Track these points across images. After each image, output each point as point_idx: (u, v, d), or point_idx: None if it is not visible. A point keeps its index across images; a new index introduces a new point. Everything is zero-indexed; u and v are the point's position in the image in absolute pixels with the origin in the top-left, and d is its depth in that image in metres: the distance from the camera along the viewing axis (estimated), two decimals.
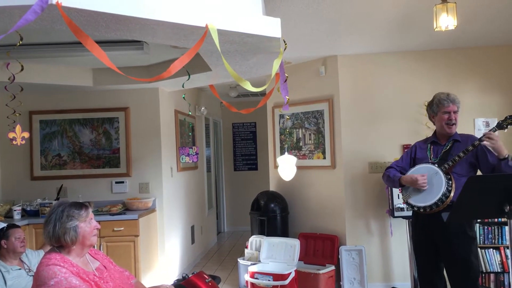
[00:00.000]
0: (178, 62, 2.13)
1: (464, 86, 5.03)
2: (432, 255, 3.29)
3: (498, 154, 3.02)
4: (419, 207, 3.20)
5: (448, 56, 5.08)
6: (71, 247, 2.29)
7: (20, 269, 3.56)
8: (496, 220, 4.65)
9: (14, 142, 3.39)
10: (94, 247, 2.49)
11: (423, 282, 3.41)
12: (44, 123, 5.31)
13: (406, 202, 3.32)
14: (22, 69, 3.51)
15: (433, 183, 3.16)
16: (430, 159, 3.34)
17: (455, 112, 3.30)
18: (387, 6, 3.63)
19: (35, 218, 4.72)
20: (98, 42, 2.03)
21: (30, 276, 3.47)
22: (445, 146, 3.33)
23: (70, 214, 2.30)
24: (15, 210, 4.78)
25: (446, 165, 3.17)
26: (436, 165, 3.22)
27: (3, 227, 3.66)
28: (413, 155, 3.51)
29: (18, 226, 3.74)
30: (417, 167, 3.32)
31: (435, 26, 3.32)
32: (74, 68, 4.79)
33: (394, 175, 3.42)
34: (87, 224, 2.33)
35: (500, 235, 4.69)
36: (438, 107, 3.33)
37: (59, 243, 2.28)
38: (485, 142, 3.05)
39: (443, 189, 3.10)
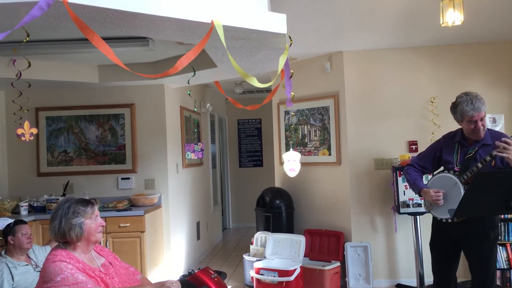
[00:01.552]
0: (184, 59, 2.13)
1: (471, 82, 5.00)
2: (449, 254, 3.25)
3: (509, 163, 2.88)
4: (441, 219, 3.16)
5: (455, 51, 5.05)
6: (76, 244, 2.31)
7: (27, 265, 3.58)
8: (502, 216, 4.63)
9: (22, 138, 3.41)
10: (100, 243, 2.51)
11: (438, 279, 3.37)
12: (50, 119, 5.33)
13: (428, 211, 3.28)
14: (29, 66, 3.53)
15: (453, 195, 3.05)
16: (456, 165, 3.15)
17: (481, 119, 3.03)
18: (393, 1, 3.61)
19: (42, 214, 4.75)
20: (103, 39, 2.03)
21: (37, 272, 3.50)
22: (470, 150, 3.12)
23: (76, 210, 2.31)
24: (22, 206, 4.81)
25: (465, 176, 3.02)
26: (456, 175, 3.07)
27: (10, 223, 3.69)
28: (438, 154, 3.32)
29: (24, 222, 3.76)
30: (436, 177, 3.22)
31: (441, 22, 3.29)
32: (80, 64, 4.81)
33: (415, 182, 3.29)
34: (92, 221, 2.35)
35: (506, 231, 4.67)
36: (462, 117, 3.07)
37: (64, 239, 2.30)
38: (495, 152, 2.89)
39: None
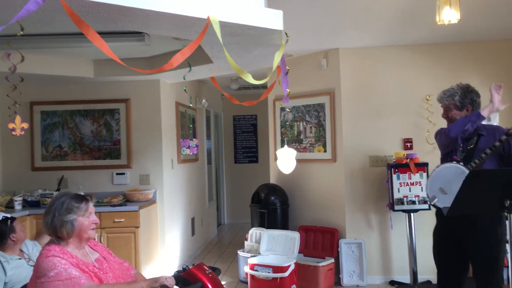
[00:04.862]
0: (179, 55, 2.12)
1: (466, 80, 4.90)
2: (455, 252, 3.14)
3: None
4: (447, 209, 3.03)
5: (451, 50, 5.06)
6: (67, 239, 2.30)
7: (20, 258, 3.57)
8: None
9: (13, 133, 3.40)
10: (94, 239, 2.50)
11: (444, 279, 3.25)
12: (45, 114, 5.31)
13: (433, 205, 3.18)
14: (22, 60, 3.51)
15: (458, 184, 2.96)
16: (458, 154, 3.13)
17: (447, 110, 3.25)
18: None
19: (36, 209, 4.73)
20: (99, 33, 2.02)
21: (31, 266, 3.48)
22: (470, 142, 3.13)
23: (69, 207, 2.30)
24: (16, 201, 4.79)
25: (473, 164, 2.99)
26: (462, 164, 3.03)
27: (7, 221, 3.64)
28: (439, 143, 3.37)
29: (13, 218, 3.74)
30: (443, 166, 3.15)
31: (437, 20, 3.29)
32: (75, 59, 4.78)
33: (465, 120, 3.19)
34: (85, 218, 2.32)
35: None
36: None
37: (56, 234, 2.29)
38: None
39: None
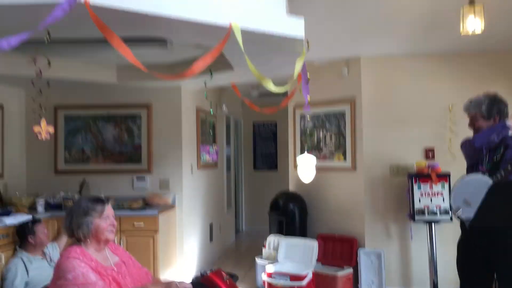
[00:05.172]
0: (201, 62, 2.14)
1: (490, 90, 4.92)
2: (479, 264, 3.08)
3: None
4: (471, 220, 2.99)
5: (474, 60, 4.98)
6: (86, 241, 2.32)
7: (42, 259, 3.63)
8: None
9: (39, 136, 3.47)
10: (114, 241, 2.52)
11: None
12: (68, 118, 5.41)
13: (458, 217, 3.11)
14: (49, 65, 3.58)
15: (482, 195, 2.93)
16: (484, 165, 3.08)
17: (472, 119, 3.18)
18: (412, 8, 3.58)
19: (58, 211, 4.80)
20: (122, 39, 2.05)
21: (52, 266, 3.54)
22: (496, 152, 3.06)
23: (85, 209, 2.33)
24: (38, 203, 4.87)
25: (498, 175, 2.92)
26: (487, 175, 2.97)
27: (27, 223, 3.71)
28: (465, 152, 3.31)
29: (39, 220, 3.80)
30: (468, 177, 3.10)
31: (461, 29, 3.25)
32: (99, 64, 4.86)
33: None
34: (102, 220, 2.34)
35: None
36: None
37: (73, 236, 2.32)
38: None
39: None
